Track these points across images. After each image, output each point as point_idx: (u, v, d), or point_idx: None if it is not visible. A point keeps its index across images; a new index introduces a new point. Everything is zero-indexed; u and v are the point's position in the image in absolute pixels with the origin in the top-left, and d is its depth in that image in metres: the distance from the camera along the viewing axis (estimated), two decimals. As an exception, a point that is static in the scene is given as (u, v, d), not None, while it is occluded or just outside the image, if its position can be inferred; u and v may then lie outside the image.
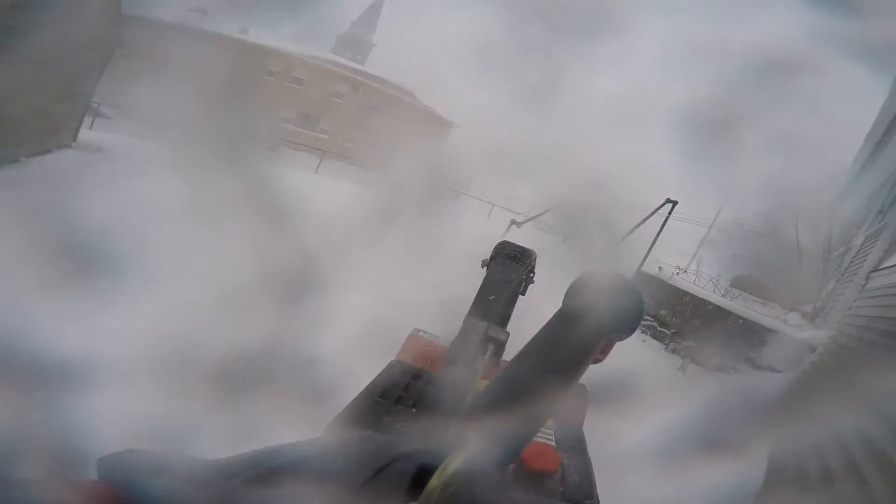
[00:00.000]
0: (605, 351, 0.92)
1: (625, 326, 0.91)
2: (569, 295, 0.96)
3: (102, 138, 7.97)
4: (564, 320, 0.91)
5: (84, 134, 7.73)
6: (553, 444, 1.58)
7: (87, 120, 9.97)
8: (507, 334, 1.70)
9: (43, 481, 0.38)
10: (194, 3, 14.10)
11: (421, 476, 0.48)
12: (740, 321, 6.00)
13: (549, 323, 0.92)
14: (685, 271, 7.68)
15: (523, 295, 2.24)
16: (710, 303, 6.58)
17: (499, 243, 2.26)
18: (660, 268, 7.34)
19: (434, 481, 0.46)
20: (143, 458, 0.44)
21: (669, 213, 7.68)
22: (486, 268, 2.16)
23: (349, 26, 19.42)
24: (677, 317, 6.78)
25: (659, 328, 6.99)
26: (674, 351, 6.74)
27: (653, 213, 7.88)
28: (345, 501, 0.43)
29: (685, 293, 6.80)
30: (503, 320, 1.87)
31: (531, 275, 2.26)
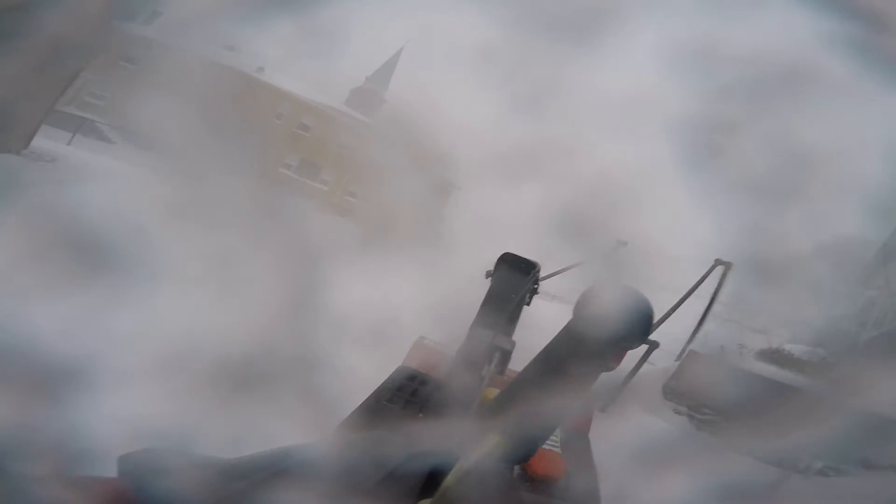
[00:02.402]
0: (618, 359, 0.96)
1: (635, 335, 0.94)
2: (579, 305, 0.99)
3: (71, 153, 6.99)
4: (576, 329, 0.95)
5: (52, 146, 6.72)
6: (558, 450, 1.58)
7: (67, 135, 9.12)
8: (513, 343, 1.71)
9: (63, 479, 0.40)
10: (226, 41, 14.04)
11: (433, 476, 0.54)
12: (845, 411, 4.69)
13: (561, 332, 0.99)
14: (746, 348, 6.41)
15: (528, 305, 2.23)
16: (796, 389, 5.28)
17: (503, 254, 2.22)
18: (722, 346, 6.10)
19: (449, 480, 0.52)
20: (161, 457, 0.46)
21: (724, 275, 6.49)
22: (489, 278, 2.15)
23: (364, 81, 19.69)
24: (749, 409, 5.42)
25: (723, 423, 5.56)
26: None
27: (703, 279, 6.69)
28: (358, 500, 0.46)
29: (760, 378, 5.50)
30: (508, 330, 1.84)
31: (536, 286, 2.26)
